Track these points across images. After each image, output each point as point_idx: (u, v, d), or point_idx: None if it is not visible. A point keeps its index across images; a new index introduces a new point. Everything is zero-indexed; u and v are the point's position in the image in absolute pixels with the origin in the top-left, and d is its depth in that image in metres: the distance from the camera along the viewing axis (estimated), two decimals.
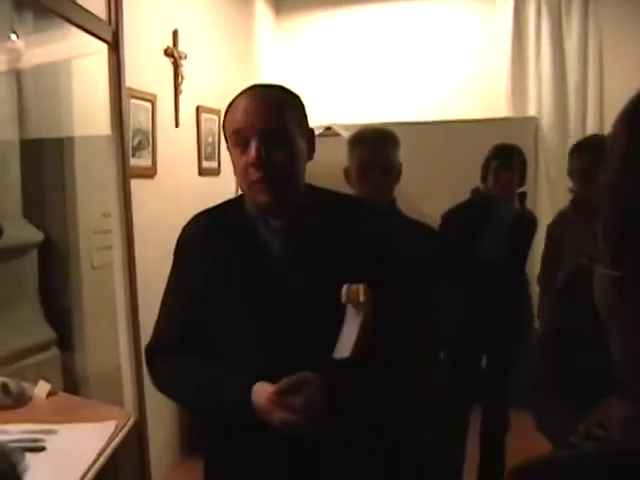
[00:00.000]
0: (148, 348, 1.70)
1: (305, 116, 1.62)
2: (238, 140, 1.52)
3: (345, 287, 1.44)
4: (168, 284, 1.70)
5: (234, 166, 1.58)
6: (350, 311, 1.45)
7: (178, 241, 1.70)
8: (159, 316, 1.70)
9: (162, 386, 1.66)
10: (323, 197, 1.66)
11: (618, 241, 0.58)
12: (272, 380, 1.43)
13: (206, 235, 1.64)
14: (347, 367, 1.43)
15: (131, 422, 2.03)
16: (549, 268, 3.33)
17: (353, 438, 1.54)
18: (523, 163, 3.47)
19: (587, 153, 3.01)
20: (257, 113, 1.51)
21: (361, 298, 1.43)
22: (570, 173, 3.12)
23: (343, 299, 1.44)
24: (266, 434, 1.44)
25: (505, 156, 3.43)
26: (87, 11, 1.85)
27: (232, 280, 1.58)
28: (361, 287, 1.43)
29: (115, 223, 2.10)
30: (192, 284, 1.62)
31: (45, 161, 3.07)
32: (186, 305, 1.63)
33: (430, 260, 2.19)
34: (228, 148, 1.62)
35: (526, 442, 3.74)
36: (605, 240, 0.59)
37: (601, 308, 0.61)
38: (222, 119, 1.64)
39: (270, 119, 1.51)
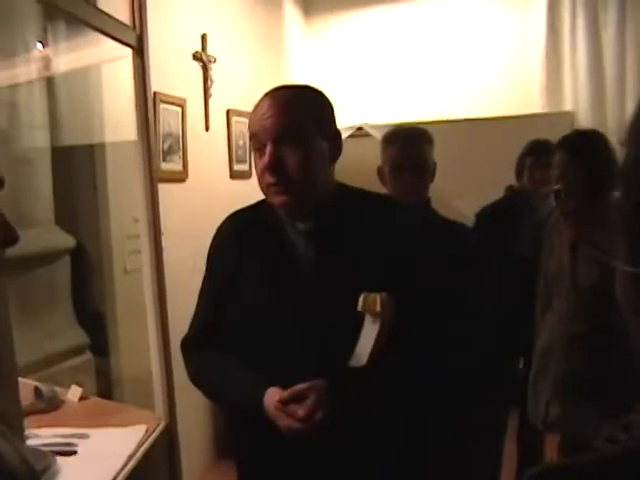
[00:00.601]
0: (184, 339, 1.76)
1: (329, 117, 1.59)
2: (255, 144, 1.53)
3: (362, 296, 1.43)
4: (203, 282, 1.75)
5: (255, 169, 1.59)
6: (368, 319, 1.43)
7: (212, 240, 1.73)
8: (195, 311, 1.75)
9: (193, 378, 1.71)
10: (356, 197, 1.64)
11: (636, 237, 0.55)
12: (289, 383, 1.45)
13: (237, 236, 1.67)
14: (362, 375, 1.44)
15: (161, 426, 2.03)
16: None
17: (381, 441, 1.53)
18: None
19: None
20: (271, 116, 1.50)
21: (378, 307, 1.41)
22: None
23: (360, 307, 1.43)
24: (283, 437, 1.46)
25: (540, 153, 3.38)
26: (110, 16, 1.85)
27: (258, 280, 1.60)
28: (378, 296, 1.42)
29: (143, 227, 2.10)
30: (221, 283, 1.66)
31: (76, 167, 3.10)
32: (215, 303, 1.67)
33: (465, 260, 2.15)
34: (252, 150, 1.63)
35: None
36: (623, 236, 0.56)
37: (622, 306, 0.58)
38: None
39: (283, 122, 1.49)
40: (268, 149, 1.48)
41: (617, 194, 0.59)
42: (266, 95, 1.56)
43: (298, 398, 1.43)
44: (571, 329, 2.46)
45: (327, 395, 1.43)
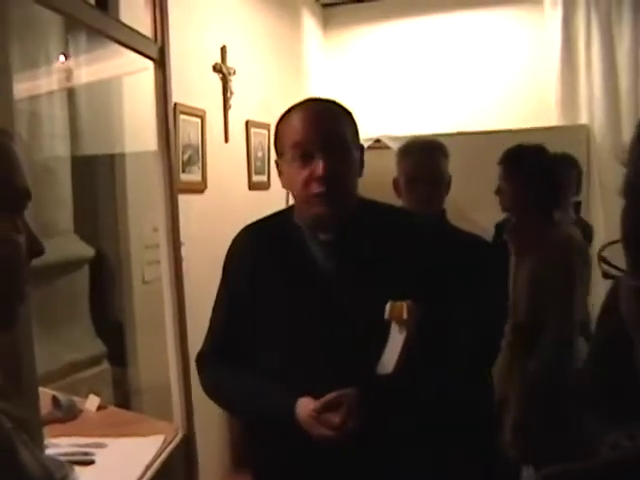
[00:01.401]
0: (199, 354, 1.75)
1: (357, 132, 1.62)
2: (298, 153, 1.52)
3: (389, 304, 1.46)
4: (218, 294, 1.73)
5: (288, 179, 1.58)
6: (394, 327, 1.46)
7: (228, 251, 1.72)
8: (210, 326, 1.74)
9: (209, 392, 1.70)
10: (373, 210, 1.66)
11: (637, 251, 0.54)
12: (314, 393, 1.46)
13: (254, 247, 1.66)
14: (390, 383, 1.46)
15: (179, 437, 2.03)
16: None
17: (399, 448, 1.54)
18: (578, 173, 3.41)
19: None
20: (320, 127, 1.52)
21: (404, 315, 1.44)
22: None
23: (386, 315, 1.46)
24: (311, 445, 1.47)
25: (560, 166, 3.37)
26: (132, 29, 1.87)
27: (278, 293, 1.59)
28: (405, 304, 1.44)
29: (163, 238, 2.10)
30: (239, 297, 1.64)
31: (96, 177, 3.13)
32: (233, 317, 1.65)
33: (482, 272, 2.15)
34: (277, 162, 1.63)
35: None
36: (626, 250, 0.56)
37: (627, 319, 0.58)
38: (274, 132, 1.64)
39: (333, 133, 1.52)
40: (319, 159, 1.49)
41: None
42: (301, 106, 1.58)
43: (330, 407, 1.43)
44: None
45: (358, 403, 1.43)
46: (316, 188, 1.50)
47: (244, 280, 1.64)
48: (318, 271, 1.58)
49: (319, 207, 1.51)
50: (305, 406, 1.46)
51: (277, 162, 1.64)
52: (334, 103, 1.61)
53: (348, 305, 1.52)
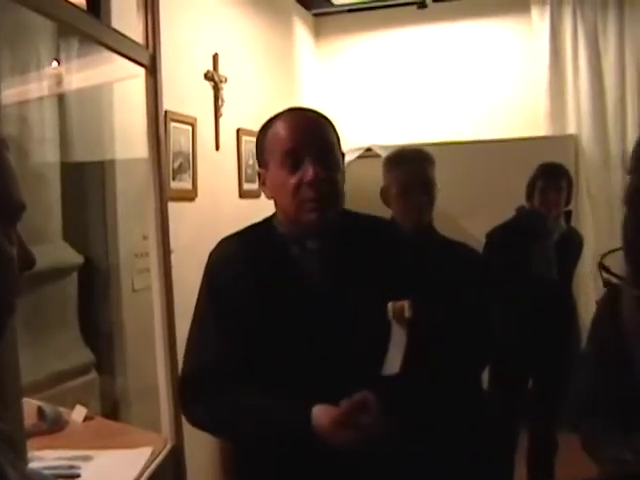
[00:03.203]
0: (184, 381, 1.65)
1: (339, 140, 1.63)
2: (287, 160, 1.52)
3: (390, 304, 1.50)
4: (199, 312, 1.65)
5: (275, 187, 1.57)
6: (396, 328, 1.49)
7: (208, 267, 1.67)
8: (190, 346, 1.65)
9: (200, 420, 1.61)
10: (353, 217, 1.67)
11: (637, 260, 0.53)
12: (321, 401, 1.44)
13: (238, 261, 1.62)
14: (397, 383, 1.47)
15: (167, 448, 2.00)
16: None
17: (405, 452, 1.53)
18: (569, 183, 3.44)
19: None
20: (308, 133, 1.54)
21: (407, 314, 1.48)
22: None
23: (389, 315, 1.49)
24: (304, 455, 1.45)
25: (552, 176, 3.41)
26: (124, 36, 1.86)
27: (270, 305, 1.56)
28: (406, 303, 1.49)
29: (153, 246, 2.08)
30: (229, 313, 1.57)
31: (86, 184, 3.09)
32: (222, 334, 1.57)
33: (470, 279, 2.16)
34: (260, 172, 1.62)
35: (576, 463, 3.65)
36: (627, 258, 0.55)
37: (629, 328, 0.57)
38: (256, 143, 1.64)
39: (321, 139, 1.54)
40: (309, 164, 1.49)
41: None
42: (286, 114, 1.58)
43: (358, 410, 1.41)
44: None
45: (381, 403, 1.41)
46: (308, 193, 1.50)
47: (233, 296, 1.58)
48: (308, 279, 1.57)
49: (311, 213, 1.51)
50: (325, 413, 1.42)
51: (260, 173, 1.63)
52: (315, 112, 1.62)
53: (342, 311, 1.52)
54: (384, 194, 2.38)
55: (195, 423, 1.62)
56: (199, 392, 1.59)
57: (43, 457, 1.86)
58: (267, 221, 1.68)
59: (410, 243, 1.71)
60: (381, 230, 1.70)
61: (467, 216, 4.31)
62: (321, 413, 1.43)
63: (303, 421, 1.43)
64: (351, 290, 1.54)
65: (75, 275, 3.00)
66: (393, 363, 1.46)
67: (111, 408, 2.92)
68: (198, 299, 1.66)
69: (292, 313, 1.54)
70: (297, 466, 1.51)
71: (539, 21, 5.31)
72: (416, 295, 1.51)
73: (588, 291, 4.58)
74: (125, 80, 2.67)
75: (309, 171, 1.49)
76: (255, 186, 4.39)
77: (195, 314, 1.66)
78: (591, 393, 1.58)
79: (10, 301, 0.86)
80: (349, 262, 1.57)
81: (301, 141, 1.52)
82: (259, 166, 1.64)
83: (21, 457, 1.18)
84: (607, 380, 1.54)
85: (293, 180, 1.51)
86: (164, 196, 2.07)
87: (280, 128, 1.55)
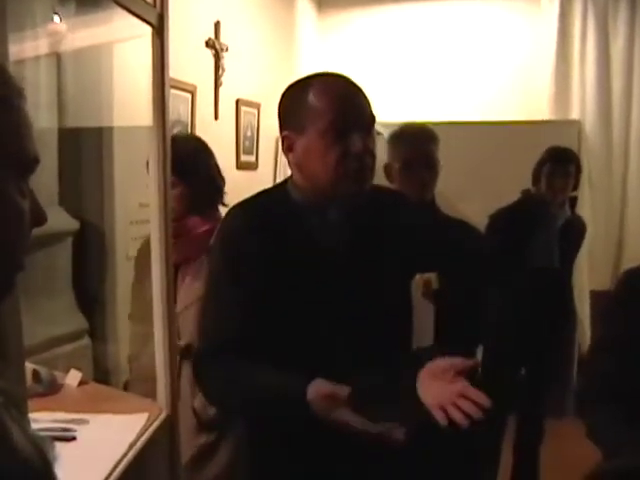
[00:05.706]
0: (198, 353, 1.64)
1: None
2: (333, 129, 1.47)
3: (417, 277, 1.52)
4: (217, 284, 1.61)
5: (310, 155, 1.51)
6: (422, 301, 1.51)
7: (220, 235, 1.63)
8: (206, 319, 1.62)
9: (217, 391, 1.60)
10: (374, 190, 1.64)
11: None
12: (334, 377, 1.39)
13: (255, 229, 1.56)
14: (438, 352, 1.45)
15: (163, 416, 1.98)
16: None
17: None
18: (577, 168, 3.37)
19: None
20: (358, 104, 1.53)
21: (434, 285, 1.54)
22: None
23: (415, 289, 1.51)
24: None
25: (560, 161, 3.34)
26: None
27: (290, 277, 1.53)
28: (432, 276, 1.54)
29: (154, 214, 2.04)
30: (249, 285, 1.54)
31: (83, 149, 3.05)
32: (242, 306, 1.54)
33: (474, 253, 2.16)
34: (288, 136, 1.54)
35: (561, 450, 3.67)
36: None
37: None
38: (285, 105, 1.58)
39: (367, 111, 1.53)
40: (356, 135, 1.48)
41: None
42: (327, 80, 1.55)
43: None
44: None
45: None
46: (353, 164, 1.48)
47: (251, 268, 1.53)
48: (328, 249, 1.55)
49: (354, 184, 1.50)
50: (318, 388, 1.39)
51: (287, 136, 1.55)
52: (352, 80, 1.59)
53: (365, 282, 1.52)
54: (387, 170, 2.38)
55: (211, 395, 1.64)
56: (212, 365, 1.57)
57: (38, 419, 1.83)
58: (279, 187, 1.65)
59: (430, 217, 1.71)
60: (399, 203, 1.71)
61: (465, 198, 4.26)
62: (315, 388, 1.40)
63: (298, 395, 1.40)
64: (372, 262, 1.54)
65: (70, 241, 2.96)
66: (424, 335, 1.45)
67: (103, 374, 2.90)
68: (211, 270, 1.64)
69: (313, 285, 1.52)
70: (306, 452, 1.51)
71: (548, 3, 5.25)
72: (441, 268, 1.52)
73: (582, 280, 4.57)
74: (127, 41, 2.62)
75: (358, 143, 1.47)
76: (253, 158, 4.35)
77: (210, 285, 1.63)
78: (603, 380, 1.57)
79: (20, 257, 0.83)
80: (370, 233, 1.57)
81: (349, 112, 1.49)
82: (285, 129, 1.56)
83: (24, 417, 1.16)
84: (620, 367, 1.53)
85: (338, 149, 1.47)
86: (167, 164, 2.01)
87: (324, 95, 1.50)
